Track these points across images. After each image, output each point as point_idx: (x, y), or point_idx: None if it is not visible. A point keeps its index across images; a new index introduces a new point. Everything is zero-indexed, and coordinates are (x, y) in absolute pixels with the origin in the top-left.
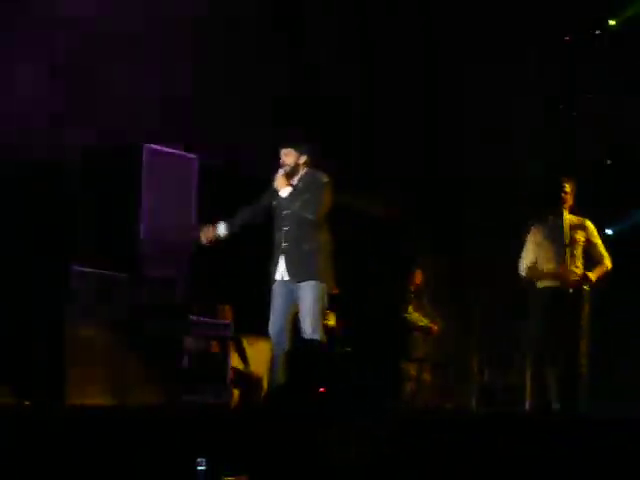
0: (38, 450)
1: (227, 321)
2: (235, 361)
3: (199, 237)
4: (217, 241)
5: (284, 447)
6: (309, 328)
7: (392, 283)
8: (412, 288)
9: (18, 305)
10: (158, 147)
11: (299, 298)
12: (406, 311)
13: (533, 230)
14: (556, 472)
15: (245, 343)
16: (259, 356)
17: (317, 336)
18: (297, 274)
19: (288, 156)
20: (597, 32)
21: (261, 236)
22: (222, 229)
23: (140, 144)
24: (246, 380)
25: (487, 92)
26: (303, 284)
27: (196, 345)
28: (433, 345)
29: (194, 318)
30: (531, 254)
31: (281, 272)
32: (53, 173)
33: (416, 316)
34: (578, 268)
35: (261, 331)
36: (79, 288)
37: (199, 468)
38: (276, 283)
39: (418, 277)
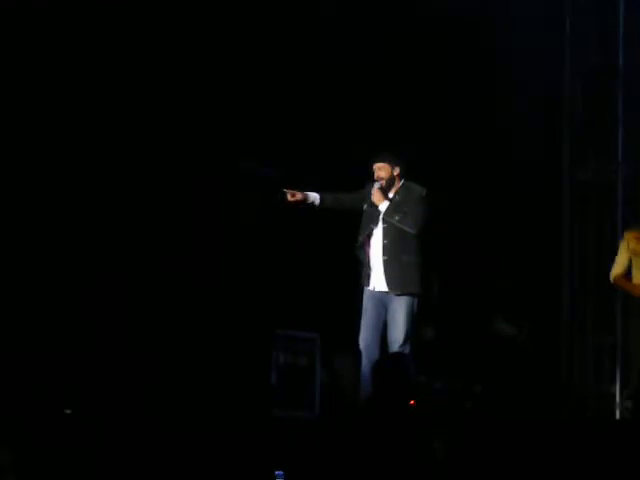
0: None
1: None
2: (324, 375)
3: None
4: (302, 204)
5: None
6: (400, 340)
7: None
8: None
9: None
10: None
11: (394, 310)
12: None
13: (627, 236)
14: None
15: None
16: (348, 369)
17: (407, 348)
18: (397, 286)
19: (382, 170)
20: None
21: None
22: (313, 199)
23: None
24: (335, 394)
25: None
26: (401, 297)
27: (284, 360)
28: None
29: (281, 332)
30: (621, 263)
31: (375, 283)
32: None
33: (502, 325)
34: None
35: (349, 343)
36: None
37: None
38: (368, 294)
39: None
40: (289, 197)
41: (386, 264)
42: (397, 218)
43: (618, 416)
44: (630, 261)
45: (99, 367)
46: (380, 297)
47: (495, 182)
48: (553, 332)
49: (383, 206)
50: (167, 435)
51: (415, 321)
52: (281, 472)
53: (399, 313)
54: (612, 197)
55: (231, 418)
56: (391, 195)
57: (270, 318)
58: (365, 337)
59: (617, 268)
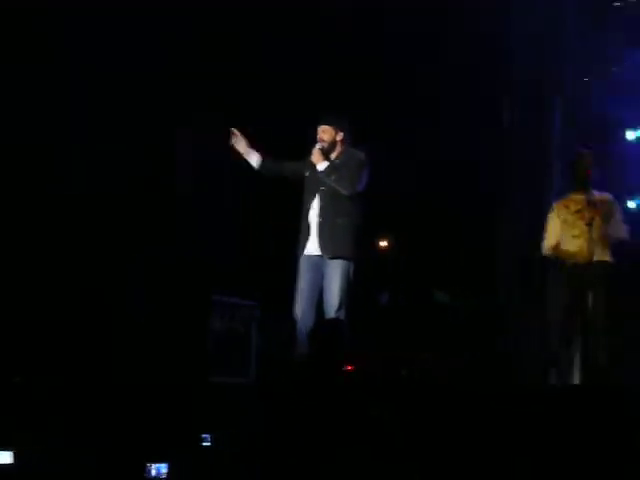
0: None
1: (251, 301)
2: (260, 342)
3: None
4: (239, 156)
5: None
6: (335, 305)
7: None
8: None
9: None
10: None
11: (329, 275)
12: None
13: (556, 206)
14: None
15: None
16: (285, 336)
17: (342, 314)
18: (330, 249)
19: (325, 133)
20: None
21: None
22: (255, 159)
23: None
24: (272, 361)
25: None
26: (334, 261)
27: (221, 326)
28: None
29: (217, 299)
30: (554, 233)
31: (310, 247)
32: None
33: (440, 294)
34: (601, 245)
35: (285, 308)
36: None
37: (204, 444)
38: (303, 258)
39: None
40: (232, 139)
41: (320, 227)
42: (333, 178)
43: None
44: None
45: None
46: (315, 262)
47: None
48: (490, 300)
49: (321, 166)
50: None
51: (350, 285)
52: (207, 435)
53: (334, 279)
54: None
55: (168, 383)
56: (332, 158)
57: (207, 285)
58: (300, 303)
59: (551, 239)
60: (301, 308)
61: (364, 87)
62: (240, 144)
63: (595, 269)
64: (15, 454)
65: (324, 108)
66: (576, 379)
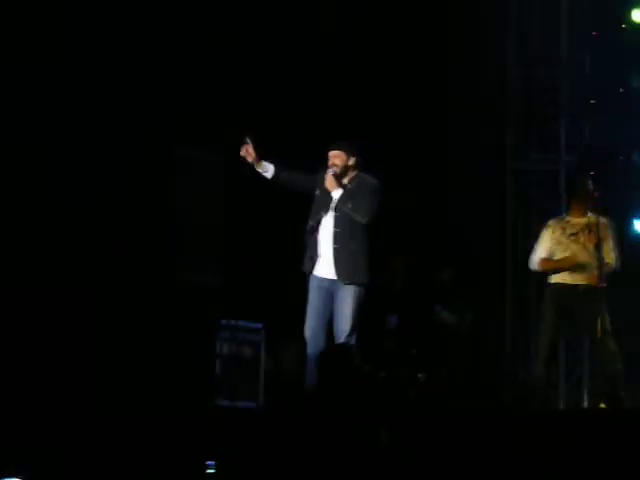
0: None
1: (259, 324)
2: (268, 364)
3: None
4: (253, 166)
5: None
6: (347, 330)
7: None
8: (441, 286)
9: None
10: None
11: (341, 299)
12: (434, 309)
13: (552, 224)
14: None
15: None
16: (293, 358)
17: (353, 339)
18: (346, 276)
19: (337, 158)
20: None
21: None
22: (270, 169)
23: None
24: (280, 383)
25: None
26: (347, 286)
27: (228, 350)
28: (463, 343)
29: (225, 322)
30: (546, 249)
31: (324, 271)
32: None
33: (444, 315)
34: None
35: (294, 332)
36: None
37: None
38: (314, 282)
39: (447, 274)
40: (242, 151)
41: (336, 252)
42: (350, 206)
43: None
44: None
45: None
46: (327, 285)
47: (441, 175)
48: (498, 321)
49: (336, 193)
50: (109, 420)
51: (361, 311)
52: (212, 462)
53: (346, 303)
54: (554, 187)
55: (175, 407)
56: (345, 184)
57: (214, 308)
58: (311, 325)
59: (543, 253)
60: (311, 329)
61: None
62: (249, 152)
63: (581, 292)
64: None
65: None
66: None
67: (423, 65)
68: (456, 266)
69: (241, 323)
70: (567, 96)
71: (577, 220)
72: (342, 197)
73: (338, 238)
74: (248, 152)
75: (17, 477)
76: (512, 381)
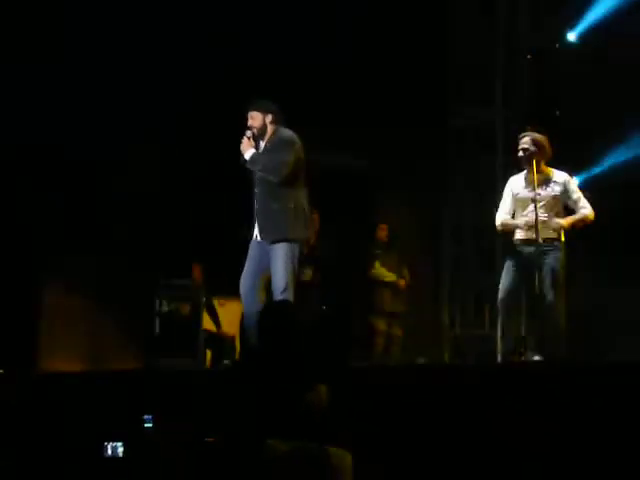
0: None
1: (198, 282)
2: (207, 323)
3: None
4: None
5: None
6: (280, 287)
7: (359, 238)
8: (378, 242)
9: None
10: None
11: (273, 258)
12: (373, 267)
13: (510, 182)
14: (534, 420)
15: (216, 304)
16: (231, 317)
17: (287, 295)
18: (268, 234)
19: (255, 119)
20: None
21: (233, 195)
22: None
23: None
24: (218, 341)
25: None
26: (275, 245)
27: (167, 308)
28: (402, 299)
29: (164, 280)
30: (507, 207)
31: (255, 231)
32: None
33: (382, 271)
34: (550, 221)
35: (232, 291)
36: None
37: (146, 425)
38: (252, 242)
39: (383, 231)
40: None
41: (257, 212)
42: (259, 167)
43: (499, 359)
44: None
45: None
46: (261, 245)
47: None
48: (434, 275)
49: (247, 154)
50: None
51: (295, 266)
52: (149, 416)
53: (275, 261)
54: (491, 143)
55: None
56: (263, 143)
57: (154, 267)
58: (243, 283)
59: (504, 214)
60: (243, 287)
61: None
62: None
63: (542, 248)
64: None
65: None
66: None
67: None
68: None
69: (180, 281)
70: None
71: (535, 176)
72: (252, 158)
73: (258, 199)
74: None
75: None
76: (449, 333)
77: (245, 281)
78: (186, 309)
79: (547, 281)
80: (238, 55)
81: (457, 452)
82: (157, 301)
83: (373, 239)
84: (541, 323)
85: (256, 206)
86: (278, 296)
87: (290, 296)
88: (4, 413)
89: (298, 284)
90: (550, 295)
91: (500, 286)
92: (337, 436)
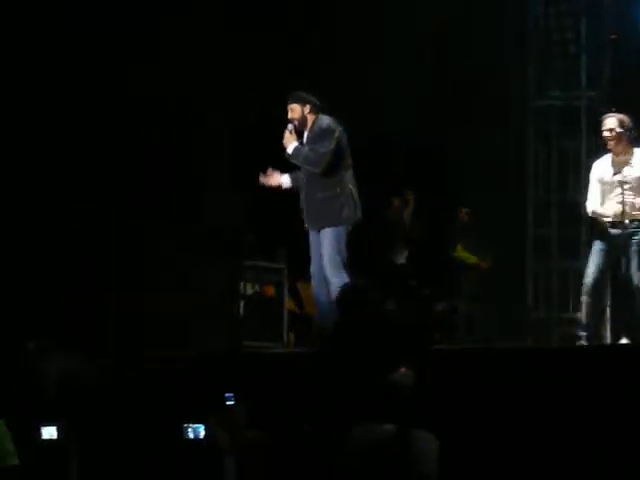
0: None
1: (281, 265)
2: (290, 304)
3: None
4: (279, 188)
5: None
6: (331, 270)
7: (439, 221)
8: (460, 225)
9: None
10: None
11: (322, 244)
12: (454, 249)
13: (595, 167)
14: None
15: (299, 286)
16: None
17: (338, 279)
18: (312, 223)
19: (294, 111)
20: None
21: None
22: (286, 180)
23: None
24: (302, 324)
25: None
26: (321, 232)
27: (252, 290)
28: (485, 282)
29: (249, 263)
30: (596, 193)
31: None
32: None
33: (464, 254)
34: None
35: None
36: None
37: (228, 403)
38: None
39: (464, 214)
40: (261, 179)
41: (304, 202)
42: (300, 159)
43: (584, 343)
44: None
45: None
46: (313, 233)
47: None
48: (519, 259)
49: (290, 148)
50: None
51: (343, 249)
52: (231, 394)
53: (325, 247)
54: (576, 124)
55: (200, 348)
56: (306, 134)
57: (238, 249)
58: (312, 269)
59: (594, 201)
60: (312, 272)
61: None
62: (272, 180)
63: (630, 230)
64: (59, 428)
65: None
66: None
67: None
68: (476, 205)
69: (264, 263)
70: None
71: (617, 158)
72: (294, 151)
73: (304, 189)
74: (270, 181)
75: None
76: (533, 318)
77: (313, 267)
78: (270, 291)
79: (634, 263)
80: None
81: (542, 438)
82: (241, 283)
83: (455, 221)
84: (628, 306)
85: (302, 197)
86: (330, 279)
87: (343, 278)
88: (88, 396)
89: (392, 265)
90: (637, 277)
91: (587, 269)
92: (423, 420)
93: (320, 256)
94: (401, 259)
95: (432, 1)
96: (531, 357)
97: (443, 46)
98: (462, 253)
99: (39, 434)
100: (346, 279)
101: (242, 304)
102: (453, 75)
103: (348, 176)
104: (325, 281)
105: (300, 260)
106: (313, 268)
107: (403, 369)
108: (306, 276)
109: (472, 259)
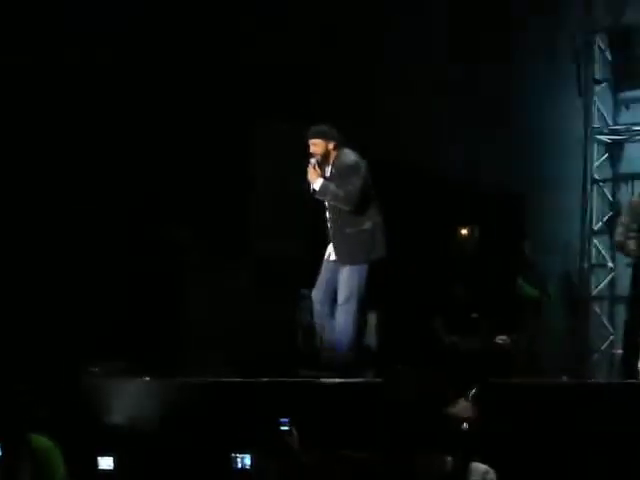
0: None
1: None
2: None
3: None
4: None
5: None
6: (342, 300)
7: (502, 254)
8: (521, 258)
9: (137, 280)
10: None
11: (341, 273)
12: (516, 283)
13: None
14: None
15: None
16: (369, 328)
17: (350, 306)
18: (344, 258)
19: (317, 146)
20: None
21: None
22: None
23: None
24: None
25: None
26: (349, 266)
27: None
28: (546, 316)
29: (305, 291)
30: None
31: (329, 252)
32: None
33: (525, 288)
34: None
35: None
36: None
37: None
38: (325, 260)
39: (527, 248)
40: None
41: (333, 236)
42: (329, 197)
43: None
44: None
45: None
46: (335, 264)
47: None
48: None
49: (317, 184)
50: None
51: (362, 285)
52: (286, 419)
53: (346, 278)
54: None
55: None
56: (328, 169)
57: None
58: (315, 294)
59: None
60: (315, 299)
61: None
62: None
63: None
64: (115, 459)
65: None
66: None
67: None
68: (535, 239)
69: None
70: None
71: None
72: (321, 188)
73: (332, 224)
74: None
75: None
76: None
77: (316, 293)
78: None
79: None
80: None
81: (602, 473)
82: (298, 312)
83: (516, 254)
84: None
85: (331, 231)
86: (340, 308)
87: (354, 307)
88: (137, 419)
89: (456, 298)
90: None
91: None
92: (480, 451)
93: (331, 285)
94: (464, 292)
95: None
96: (591, 392)
97: None
98: (523, 286)
99: (96, 464)
100: (357, 313)
101: (300, 333)
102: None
103: (375, 209)
104: (327, 309)
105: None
106: (318, 294)
107: (463, 401)
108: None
109: (533, 293)
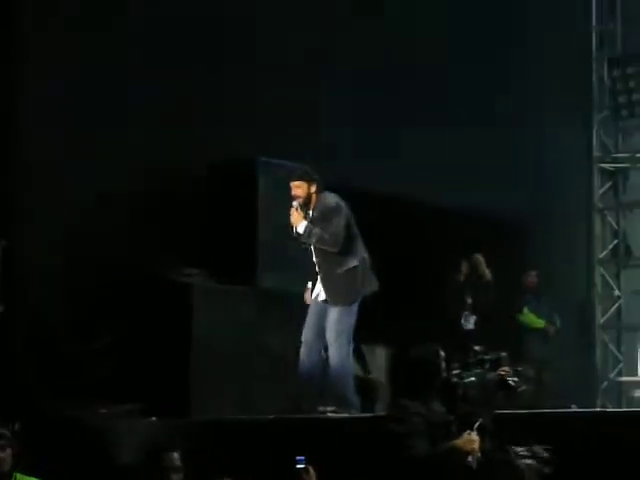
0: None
1: None
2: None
3: None
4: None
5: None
6: (332, 338)
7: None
8: (527, 288)
9: (142, 321)
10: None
11: (330, 312)
12: (521, 312)
13: None
14: None
15: (364, 350)
16: (379, 362)
17: (341, 347)
18: (336, 299)
19: (299, 188)
20: None
21: None
22: None
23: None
24: (368, 388)
25: None
26: (335, 307)
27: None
28: (552, 345)
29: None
30: None
31: (317, 292)
32: None
33: (531, 317)
34: None
35: (379, 338)
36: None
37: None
38: (314, 300)
39: (533, 277)
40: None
41: (322, 280)
42: (314, 240)
43: None
44: None
45: None
46: (321, 305)
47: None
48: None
49: (301, 227)
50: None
51: (352, 323)
52: (302, 457)
53: (334, 318)
54: None
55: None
56: (310, 212)
57: None
58: (305, 333)
59: None
60: (304, 339)
61: None
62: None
63: None
64: None
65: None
66: None
67: None
68: (540, 269)
69: None
70: None
71: None
72: (305, 231)
73: (320, 267)
74: None
75: None
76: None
77: (307, 335)
78: None
79: None
80: None
81: None
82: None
83: (522, 285)
84: None
85: (320, 273)
86: (331, 346)
87: (344, 342)
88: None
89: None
90: None
91: None
92: None
93: (320, 325)
94: (469, 324)
95: None
96: (599, 421)
97: None
98: (528, 316)
99: None
100: (350, 352)
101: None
102: None
103: (360, 246)
104: (318, 348)
105: (364, 323)
106: (308, 336)
107: (468, 433)
108: (371, 339)
109: (539, 323)
